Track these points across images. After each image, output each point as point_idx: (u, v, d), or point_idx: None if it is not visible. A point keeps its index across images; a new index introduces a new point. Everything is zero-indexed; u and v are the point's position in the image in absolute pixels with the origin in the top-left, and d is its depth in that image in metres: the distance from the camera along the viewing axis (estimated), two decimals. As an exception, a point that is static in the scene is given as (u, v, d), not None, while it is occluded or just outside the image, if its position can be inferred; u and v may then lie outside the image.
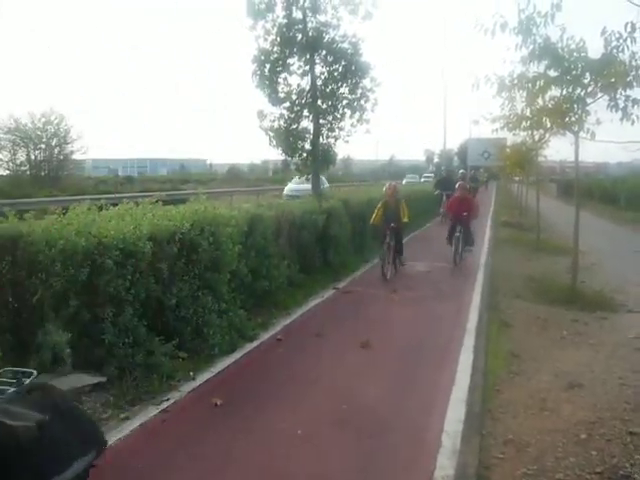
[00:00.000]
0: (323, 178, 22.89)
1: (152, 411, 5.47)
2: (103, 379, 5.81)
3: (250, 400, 5.80)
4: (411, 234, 19.46)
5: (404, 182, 55.92)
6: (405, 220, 12.54)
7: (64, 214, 6.27)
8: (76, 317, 5.72)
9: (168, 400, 5.70)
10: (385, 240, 12.34)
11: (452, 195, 17.89)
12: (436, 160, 67.98)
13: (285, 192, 28.53)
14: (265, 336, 7.87)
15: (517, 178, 40.95)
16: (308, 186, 16.31)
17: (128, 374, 5.88)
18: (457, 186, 15.32)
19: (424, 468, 4.52)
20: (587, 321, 8.98)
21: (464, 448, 4.84)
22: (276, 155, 16.91)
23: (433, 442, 4.94)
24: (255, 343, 7.57)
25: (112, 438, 4.90)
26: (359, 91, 14.93)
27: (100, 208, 6.94)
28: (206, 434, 5.05)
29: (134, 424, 5.21)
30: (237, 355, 7.09)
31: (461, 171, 36.53)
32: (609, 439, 4.96)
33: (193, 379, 6.25)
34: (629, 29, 8.07)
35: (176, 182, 49.07)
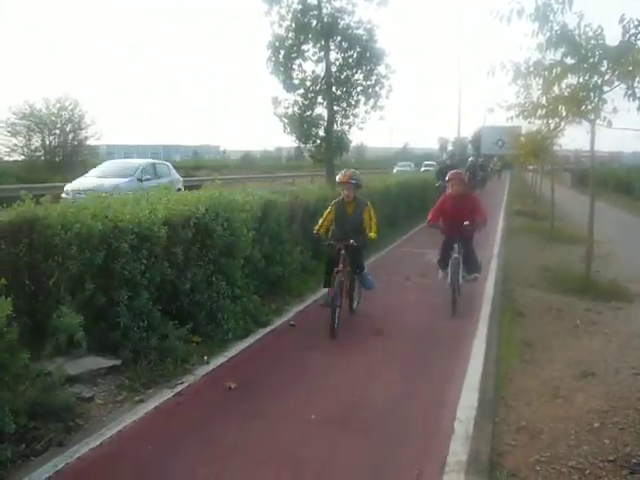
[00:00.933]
0: (170, 167, 21.34)
1: (166, 394, 5.51)
2: (118, 362, 5.86)
3: (263, 384, 5.84)
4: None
5: (395, 171, 51.71)
6: (371, 236, 7.97)
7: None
8: (92, 300, 5.77)
9: (182, 383, 5.75)
10: (337, 268, 7.72)
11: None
12: (450, 148, 66.57)
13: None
14: (278, 322, 7.90)
15: (531, 167, 40.68)
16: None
17: (143, 357, 5.93)
18: (448, 177, 9.44)
19: (437, 454, 4.54)
20: (601, 310, 8.94)
21: (477, 435, 4.85)
22: (289, 142, 16.95)
23: (446, 429, 4.96)
24: (269, 328, 7.60)
25: (127, 420, 4.97)
26: (374, 78, 14.95)
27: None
28: (220, 417, 5.09)
29: (149, 407, 5.25)
30: (251, 340, 7.13)
31: (470, 159, 34.97)
32: (622, 428, 4.95)
33: (207, 363, 6.30)
34: (648, 17, 8.00)
35: (189, 168, 49.00)
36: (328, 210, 8.27)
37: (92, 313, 5.78)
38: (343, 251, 7.85)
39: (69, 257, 5.67)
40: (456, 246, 9.05)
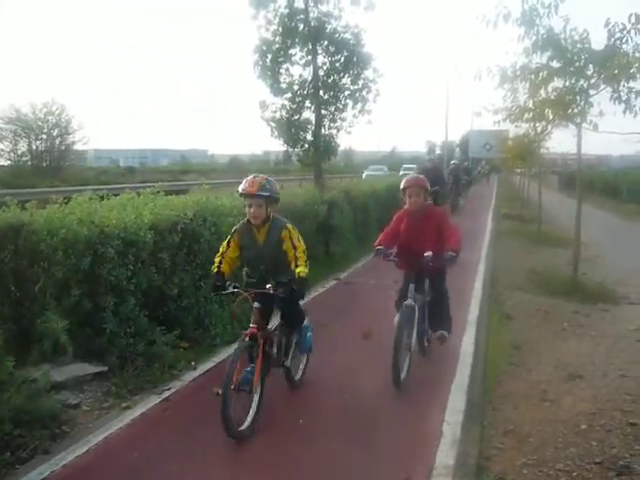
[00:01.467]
0: None
1: (153, 400, 5.50)
2: (104, 368, 5.84)
3: (251, 390, 5.81)
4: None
5: (364, 176, 44.45)
6: (300, 273, 5.06)
7: (66, 204, 6.28)
8: (78, 306, 5.75)
9: (170, 389, 5.73)
10: (245, 331, 5.12)
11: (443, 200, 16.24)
12: (438, 152, 66.08)
13: None
14: (267, 326, 7.85)
15: (519, 170, 40.87)
16: None
17: (130, 363, 5.92)
18: (403, 185, 6.38)
19: (425, 457, 4.53)
20: (588, 313, 8.99)
21: (464, 438, 4.86)
22: (277, 146, 16.97)
23: (434, 432, 4.95)
24: (257, 333, 7.55)
25: (113, 427, 4.95)
26: (361, 82, 14.93)
27: (102, 198, 6.98)
28: (207, 423, 5.05)
29: (135, 413, 5.24)
30: (239, 345, 7.08)
31: (453, 162, 30.79)
32: (609, 430, 4.97)
33: (194, 369, 6.28)
34: (633, 20, 8.06)
35: (177, 173, 48.94)
36: (227, 239, 5.48)
37: (78, 319, 5.75)
38: (257, 304, 5.17)
39: (55, 263, 5.63)
40: (412, 286, 6.17)
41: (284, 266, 5.23)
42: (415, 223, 6.34)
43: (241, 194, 5.21)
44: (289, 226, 5.33)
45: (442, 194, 16.86)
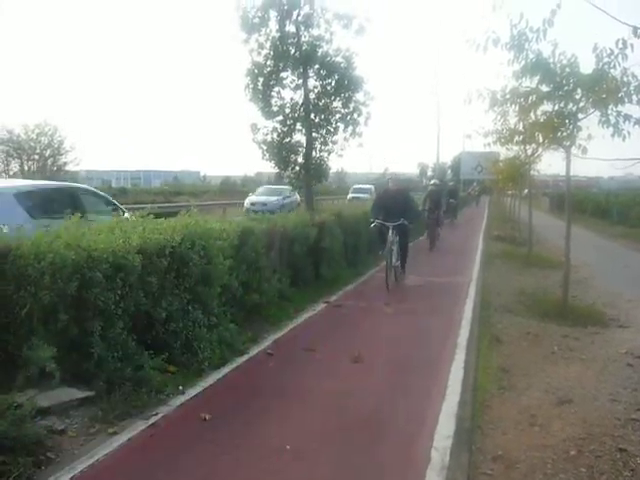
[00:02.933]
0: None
1: (140, 426, 5.43)
2: (91, 393, 5.77)
3: (239, 415, 5.77)
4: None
5: (348, 198, 46.20)
6: None
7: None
8: (65, 331, 5.69)
9: (157, 415, 5.66)
10: None
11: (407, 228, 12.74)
12: (430, 174, 65.71)
13: None
14: (256, 350, 7.83)
15: (510, 192, 41.08)
16: None
17: (117, 388, 5.84)
18: None
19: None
20: (578, 336, 8.97)
21: (453, 464, 4.82)
22: (270, 167, 16.99)
23: (422, 457, 4.92)
24: (245, 357, 7.52)
25: (99, 453, 4.89)
26: (352, 105, 15.07)
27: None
28: (193, 449, 5.02)
29: (122, 439, 5.16)
30: (227, 369, 7.04)
31: (432, 182, 25.06)
32: (599, 455, 4.95)
33: (182, 393, 6.21)
34: (620, 45, 8.15)
35: (169, 194, 48.90)
36: None
37: (65, 343, 5.70)
38: None
39: (42, 287, 5.58)
40: None
41: None
42: None
43: None
44: None
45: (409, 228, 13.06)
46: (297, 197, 31.14)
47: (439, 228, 21.95)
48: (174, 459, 4.86)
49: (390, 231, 12.42)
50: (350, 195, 47.86)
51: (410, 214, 12.84)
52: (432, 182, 23.10)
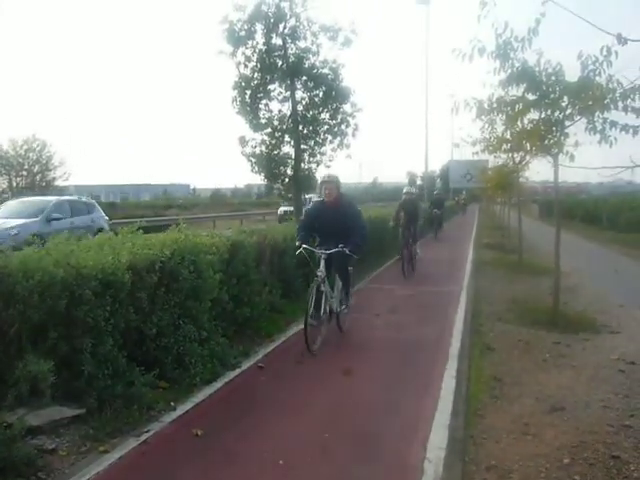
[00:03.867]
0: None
1: (132, 443, 5.38)
2: (82, 411, 5.72)
3: (231, 430, 5.73)
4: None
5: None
6: None
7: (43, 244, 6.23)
8: (55, 349, 5.65)
9: (148, 432, 5.62)
10: None
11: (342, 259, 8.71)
12: (419, 183, 65.66)
13: None
14: (247, 364, 7.79)
15: (499, 199, 41.22)
16: None
17: (108, 406, 5.80)
18: None
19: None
20: (569, 343, 8.98)
21: (446, 475, 4.81)
22: (259, 179, 17.00)
23: (415, 469, 4.91)
24: (237, 371, 7.49)
25: (91, 472, 4.84)
26: (340, 116, 15.12)
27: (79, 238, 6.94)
28: (185, 466, 4.98)
29: (113, 457, 5.12)
30: (219, 384, 7.00)
31: (405, 189, 17.77)
32: (592, 463, 4.95)
33: (174, 409, 6.17)
34: (605, 53, 8.20)
35: (159, 208, 48.86)
36: None
37: (55, 361, 5.66)
38: None
39: (31, 305, 5.55)
40: None
41: None
42: None
43: None
44: None
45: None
46: (99, 215, 20.05)
47: (415, 247, 17.09)
48: (167, 476, 4.83)
49: (322, 263, 8.70)
50: (281, 209, 40.22)
51: (354, 237, 8.71)
52: (405, 190, 17.48)
